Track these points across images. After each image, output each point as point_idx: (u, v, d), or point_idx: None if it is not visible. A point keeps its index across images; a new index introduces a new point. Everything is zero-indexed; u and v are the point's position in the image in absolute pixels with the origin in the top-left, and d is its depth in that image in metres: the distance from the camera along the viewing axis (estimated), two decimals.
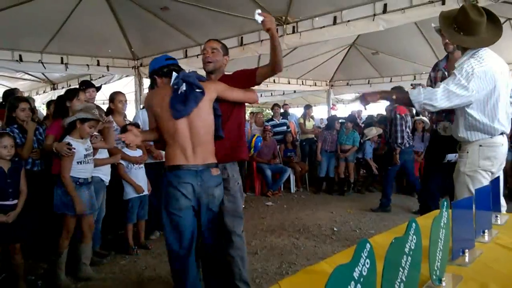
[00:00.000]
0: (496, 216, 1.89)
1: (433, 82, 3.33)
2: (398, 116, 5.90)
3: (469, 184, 2.60)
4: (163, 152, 4.53)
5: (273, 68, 2.59)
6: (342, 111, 12.86)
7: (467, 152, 2.64)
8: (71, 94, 3.73)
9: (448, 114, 3.21)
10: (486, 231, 1.66)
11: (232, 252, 2.72)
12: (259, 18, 2.46)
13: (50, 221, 3.47)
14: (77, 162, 3.30)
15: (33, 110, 3.86)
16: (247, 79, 2.71)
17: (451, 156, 2.96)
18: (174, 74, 2.59)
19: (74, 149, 3.23)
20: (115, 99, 4.46)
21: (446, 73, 3.24)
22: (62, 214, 3.28)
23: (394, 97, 2.75)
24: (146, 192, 4.33)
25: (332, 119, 8.33)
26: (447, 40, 3.10)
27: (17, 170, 3.12)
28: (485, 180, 2.57)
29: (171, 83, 2.54)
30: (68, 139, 3.29)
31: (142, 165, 4.38)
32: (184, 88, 2.44)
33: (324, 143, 7.78)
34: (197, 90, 2.46)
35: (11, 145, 3.05)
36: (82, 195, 3.31)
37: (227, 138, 2.69)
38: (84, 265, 3.48)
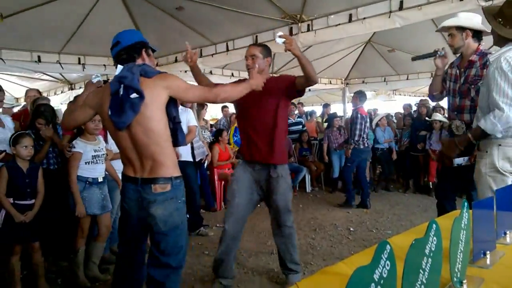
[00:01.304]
0: None
1: (447, 80, 3.29)
2: (359, 115, 6.28)
3: (492, 184, 2.53)
4: (180, 151, 4.66)
5: (307, 81, 2.78)
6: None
7: (486, 152, 2.58)
8: None
9: (459, 113, 3.15)
10: (508, 232, 1.63)
11: (284, 240, 3.16)
12: (280, 40, 2.58)
13: (68, 219, 3.51)
14: (85, 163, 3.35)
15: (54, 112, 3.90)
16: (289, 85, 2.92)
17: (459, 161, 2.88)
18: (119, 67, 2.18)
19: (78, 153, 3.28)
20: None
21: (458, 71, 3.19)
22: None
23: (473, 139, 2.64)
24: None
25: (330, 117, 8.28)
26: (452, 40, 3.11)
27: (35, 170, 3.18)
28: (509, 180, 2.49)
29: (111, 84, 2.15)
30: (78, 140, 3.36)
31: None
32: (121, 93, 2.06)
33: (329, 142, 7.74)
34: (134, 95, 2.03)
35: (31, 145, 3.11)
36: (93, 195, 3.36)
37: (278, 141, 2.97)
38: (92, 264, 3.51)
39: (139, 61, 2.21)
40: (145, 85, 2.06)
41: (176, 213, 2.14)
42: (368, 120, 6.53)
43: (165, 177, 2.09)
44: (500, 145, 2.52)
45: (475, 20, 3.09)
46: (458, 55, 3.26)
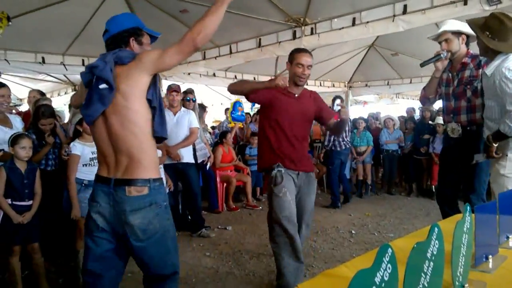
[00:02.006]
0: None
1: (440, 84, 3.35)
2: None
3: (509, 186, 2.65)
4: (182, 153, 4.67)
5: (332, 133, 3.02)
6: (360, 112, 12.78)
7: (507, 156, 2.70)
8: None
9: (456, 115, 3.20)
10: (510, 236, 1.62)
11: (302, 240, 3.20)
12: (337, 108, 2.73)
13: (65, 219, 3.51)
14: (83, 165, 3.35)
15: (54, 113, 3.91)
16: (325, 117, 3.21)
17: (479, 157, 2.95)
18: (100, 55, 1.94)
19: (75, 155, 3.28)
20: None
21: (450, 74, 3.26)
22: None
23: (495, 143, 2.74)
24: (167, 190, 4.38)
25: None
26: (449, 45, 3.19)
27: (33, 171, 3.17)
28: None
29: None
30: (75, 142, 3.36)
31: (161, 166, 4.42)
32: (93, 84, 1.85)
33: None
34: (103, 86, 1.81)
35: (30, 146, 3.10)
36: (89, 197, 3.35)
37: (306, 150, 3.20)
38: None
39: None
40: (121, 73, 1.83)
41: (156, 220, 1.85)
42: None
43: (142, 178, 1.83)
44: None
45: (467, 26, 3.18)
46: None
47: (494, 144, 2.70)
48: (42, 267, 3.25)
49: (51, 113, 3.76)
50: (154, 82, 1.89)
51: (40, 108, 3.75)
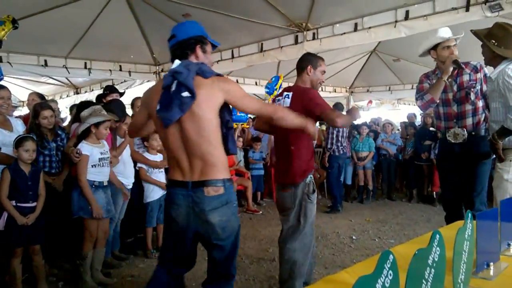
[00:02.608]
0: None
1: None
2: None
3: (511, 191, 2.70)
4: None
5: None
6: (362, 116, 12.77)
7: (510, 161, 2.75)
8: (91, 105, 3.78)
9: (460, 119, 3.24)
10: (511, 243, 1.62)
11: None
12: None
13: (69, 222, 3.51)
14: (92, 166, 3.35)
15: (51, 107, 3.91)
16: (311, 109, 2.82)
17: None
18: (176, 62, 2.05)
19: (80, 155, 3.26)
20: (137, 105, 4.54)
21: (438, 75, 3.33)
22: (80, 217, 3.31)
23: (500, 140, 2.78)
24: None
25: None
26: (455, 51, 3.28)
27: (37, 173, 3.19)
28: None
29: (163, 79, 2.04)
30: (83, 143, 3.35)
31: (163, 169, 4.43)
32: (173, 89, 1.93)
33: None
34: (185, 94, 1.91)
35: (33, 149, 3.11)
36: (99, 198, 3.35)
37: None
38: (95, 271, 3.49)
39: (192, 58, 2.07)
40: (201, 85, 1.93)
41: (233, 218, 2.01)
42: (344, 129, 6.76)
43: (218, 179, 1.95)
44: None
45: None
46: (434, 68, 3.46)
47: (500, 141, 2.73)
48: (42, 270, 3.26)
49: (48, 105, 3.76)
50: (228, 105, 2.05)
51: (36, 105, 3.76)
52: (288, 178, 2.94)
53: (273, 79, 7.66)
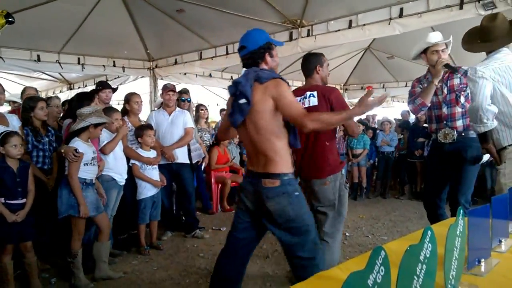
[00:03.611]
0: None
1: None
2: None
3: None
4: (177, 153, 4.67)
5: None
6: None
7: (505, 162, 2.72)
8: (86, 98, 3.76)
9: (451, 121, 3.29)
10: (503, 240, 1.63)
11: None
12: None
13: (61, 218, 3.49)
14: (84, 164, 3.32)
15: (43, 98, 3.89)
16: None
17: (486, 157, 3.10)
18: (243, 70, 2.34)
19: (82, 154, 3.25)
20: (131, 100, 4.52)
21: (429, 79, 3.37)
22: (69, 216, 3.27)
23: (485, 145, 2.82)
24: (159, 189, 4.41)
25: None
26: (444, 55, 3.33)
27: (25, 169, 3.15)
28: None
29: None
30: (76, 141, 3.31)
31: (156, 166, 4.42)
32: (236, 96, 2.25)
33: None
34: (243, 100, 2.19)
35: (20, 144, 3.08)
36: (89, 196, 3.32)
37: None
38: (103, 264, 3.49)
39: (262, 65, 2.33)
40: (257, 91, 2.19)
41: (289, 207, 2.20)
42: (338, 127, 6.72)
43: (274, 173, 2.20)
44: None
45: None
46: (425, 72, 3.48)
47: (488, 145, 2.75)
48: (35, 267, 3.23)
49: (41, 97, 3.74)
50: None
51: (27, 99, 3.73)
52: (326, 171, 3.04)
53: None
